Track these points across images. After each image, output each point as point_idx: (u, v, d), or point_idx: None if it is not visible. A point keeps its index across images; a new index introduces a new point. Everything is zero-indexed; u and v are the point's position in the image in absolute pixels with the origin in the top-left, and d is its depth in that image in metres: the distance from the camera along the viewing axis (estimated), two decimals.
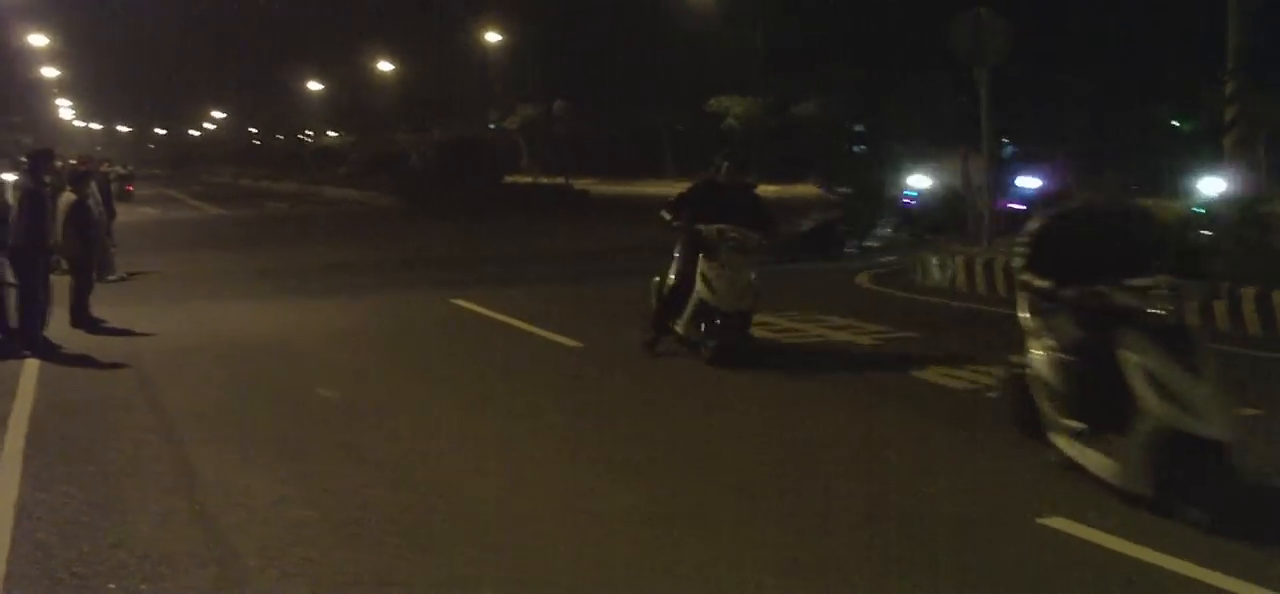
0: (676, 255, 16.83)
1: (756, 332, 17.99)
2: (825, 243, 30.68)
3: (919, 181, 37.94)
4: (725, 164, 17.14)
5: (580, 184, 66.20)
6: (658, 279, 17.14)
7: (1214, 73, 21.73)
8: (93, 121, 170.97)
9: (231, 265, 31.56)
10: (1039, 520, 9.22)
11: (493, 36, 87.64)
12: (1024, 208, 33.24)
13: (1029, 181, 34.17)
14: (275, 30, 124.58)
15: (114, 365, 16.87)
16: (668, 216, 16.84)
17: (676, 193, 17.39)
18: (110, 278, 27.07)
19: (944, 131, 41.83)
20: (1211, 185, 29.42)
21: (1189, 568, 8.22)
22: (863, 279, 24.95)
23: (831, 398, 14.30)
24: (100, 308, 20.84)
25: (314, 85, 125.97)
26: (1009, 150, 45.71)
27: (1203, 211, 28.06)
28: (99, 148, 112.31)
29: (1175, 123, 61.55)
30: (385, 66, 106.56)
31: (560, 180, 66.96)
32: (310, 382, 15.90)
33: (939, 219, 33.26)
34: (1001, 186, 35.32)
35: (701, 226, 16.32)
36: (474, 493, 10.57)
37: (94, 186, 27.56)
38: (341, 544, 9.13)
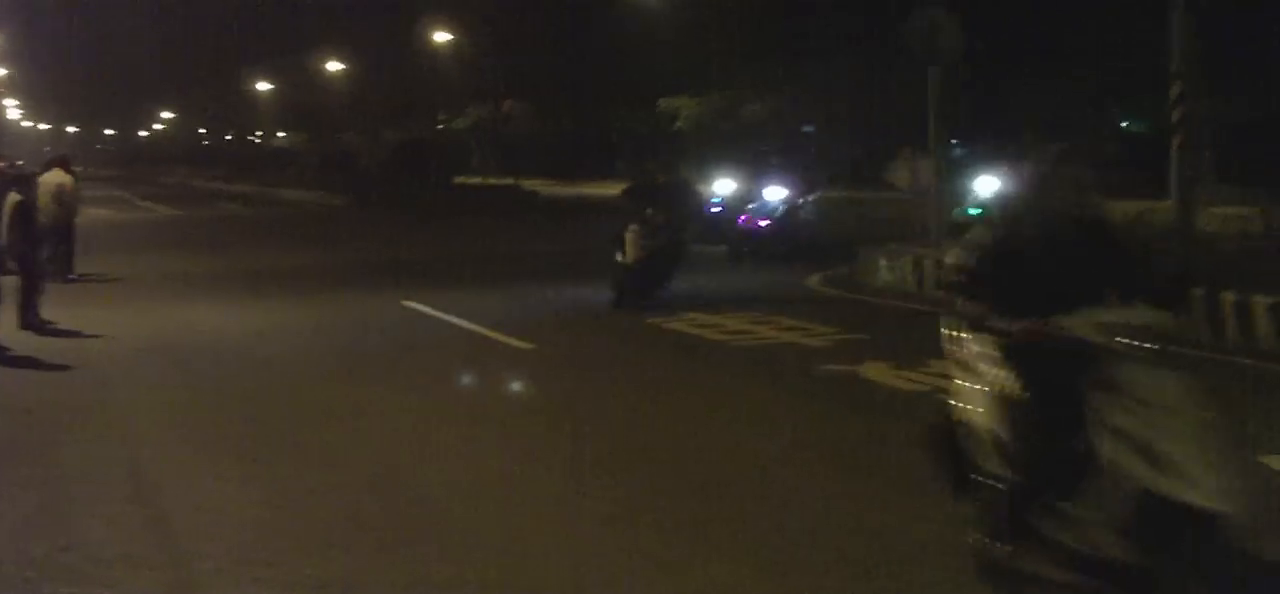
0: (980, 370, 8.10)
1: (707, 333, 18.07)
2: (654, 275, 22.47)
3: (725, 186, 35.75)
4: (1061, 173, 8.44)
5: (530, 185, 66.16)
6: (963, 428, 8.26)
7: (1163, 76, 21.83)
8: (41, 121, 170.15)
9: (182, 267, 31.43)
10: None
11: (443, 36, 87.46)
12: (767, 223, 31.01)
13: (776, 192, 32.23)
14: (224, 30, 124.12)
15: (64, 367, 16.78)
16: (963, 306, 8.16)
17: (955, 253, 8.38)
18: (70, 277, 26.97)
19: (894, 131, 41.28)
20: (986, 185, 29.27)
21: None
22: (813, 280, 24.98)
23: (786, 400, 14.37)
24: (50, 309, 20.75)
25: (264, 85, 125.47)
26: (958, 151, 45.23)
27: (977, 212, 28.07)
28: (47, 148, 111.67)
29: (1124, 124, 61.87)
30: (335, 67, 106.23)
31: (510, 181, 66.90)
32: (261, 383, 15.88)
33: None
34: (750, 196, 33.12)
35: (1051, 325, 7.58)
36: (431, 495, 10.55)
37: (73, 186, 27.61)
38: (298, 548, 9.10)
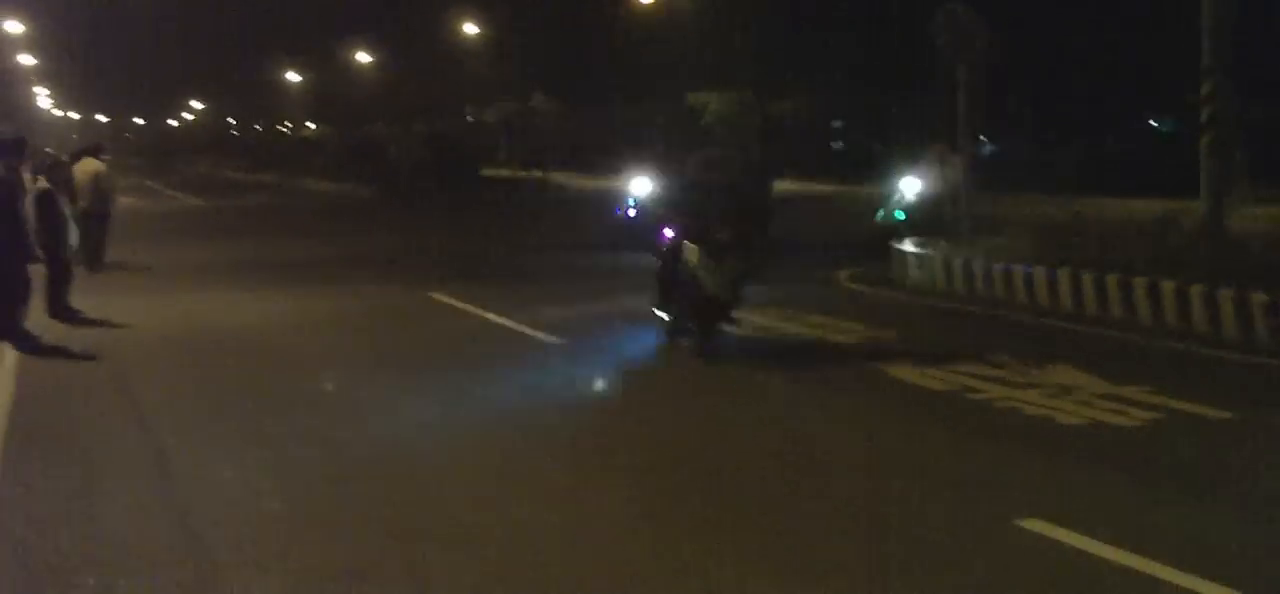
0: None
1: (733, 329, 18.06)
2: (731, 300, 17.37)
3: (641, 186, 29.82)
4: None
5: (558, 177, 66.17)
6: None
7: (1194, 74, 21.71)
8: (71, 110, 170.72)
9: (209, 257, 31.49)
10: (1017, 522, 9.21)
11: (471, 29, 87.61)
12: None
13: (642, 185, 29.35)
14: (254, 20, 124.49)
15: (91, 357, 16.82)
16: None
17: None
18: (103, 265, 27.11)
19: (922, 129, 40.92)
20: (910, 186, 28.82)
21: (1170, 572, 8.21)
22: (841, 276, 24.87)
23: (810, 397, 14.31)
24: (79, 298, 20.78)
25: (293, 76, 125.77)
26: (987, 148, 44.76)
27: (902, 217, 27.71)
28: (76, 136, 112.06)
29: (1153, 124, 61.81)
30: (364, 58, 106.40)
31: (538, 174, 66.93)
32: (286, 374, 15.89)
33: None
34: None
35: None
36: (451, 489, 10.54)
37: (107, 173, 27.82)
38: (317, 538, 9.12)
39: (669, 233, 17.48)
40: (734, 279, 16.78)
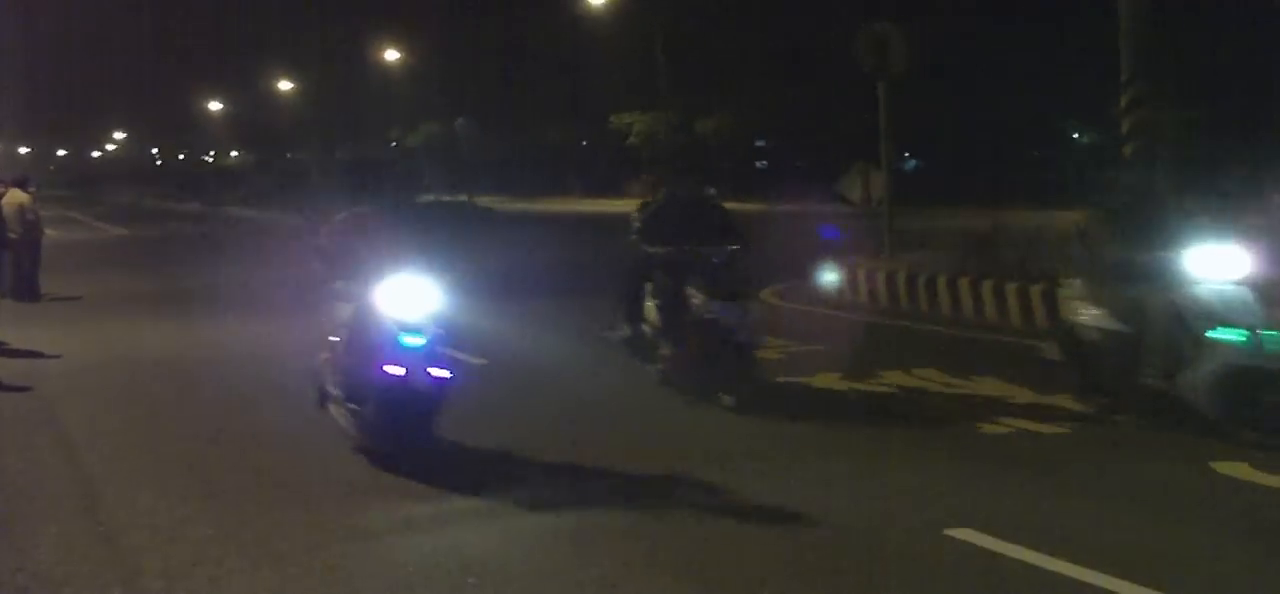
0: None
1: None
2: None
3: None
4: None
5: (484, 201, 66.10)
6: None
7: (1117, 85, 21.84)
8: None
9: (135, 286, 31.29)
10: (946, 531, 9.28)
11: (393, 55, 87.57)
12: None
13: None
14: (176, 50, 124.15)
15: (16, 388, 16.67)
16: None
17: None
18: (35, 297, 26.99)
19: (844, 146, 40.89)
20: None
21: (1097, 577, 8.29)
22: (765, 293, 24.89)
23: (738, 411, 14.32)
24: (6, 330, 20.62)
25: (215, 105, 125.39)
26: (911, 164, 44.63)
27: None
28: None
29: (1076, 135, 62.21)
30: (286, 86, 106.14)
31: (463, 198, 66.90)
32: (216, 401, 15.78)
33: None
34: None
35: None
36: (381, 513, 10.51)
37: (32, 205, 27.67)
38: (247, 565, 9.08)
39: None
40: None
